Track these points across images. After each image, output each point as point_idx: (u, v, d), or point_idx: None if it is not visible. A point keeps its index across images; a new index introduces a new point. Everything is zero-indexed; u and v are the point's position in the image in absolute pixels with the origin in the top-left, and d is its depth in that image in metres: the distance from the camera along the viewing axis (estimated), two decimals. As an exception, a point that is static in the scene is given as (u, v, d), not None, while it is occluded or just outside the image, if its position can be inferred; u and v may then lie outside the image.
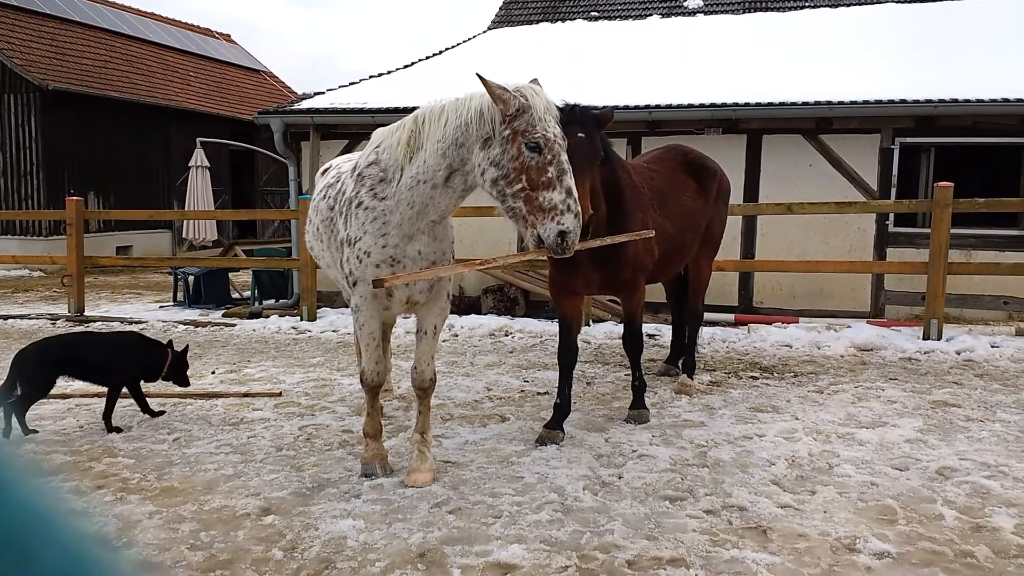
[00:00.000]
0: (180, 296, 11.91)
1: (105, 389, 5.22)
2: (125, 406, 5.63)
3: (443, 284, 4.07)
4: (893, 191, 8.95)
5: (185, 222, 13.33)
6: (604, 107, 4.61)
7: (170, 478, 4.26)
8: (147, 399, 5.60)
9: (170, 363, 5.38)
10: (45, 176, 18.69)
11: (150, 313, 10.61)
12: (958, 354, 7.04)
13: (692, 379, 6.02)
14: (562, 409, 4.89)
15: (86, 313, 10.06)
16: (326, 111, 10.12)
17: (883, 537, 3.46)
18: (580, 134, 4.32)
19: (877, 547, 3.36)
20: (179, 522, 3.67)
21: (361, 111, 9.90)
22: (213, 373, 6.80)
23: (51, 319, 9.77)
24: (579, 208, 3.52)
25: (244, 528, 3.61)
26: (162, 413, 5.46)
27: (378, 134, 4.04)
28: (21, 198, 18.77)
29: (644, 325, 8.38)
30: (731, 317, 9.01)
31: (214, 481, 4.21)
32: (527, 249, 3.75)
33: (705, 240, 5.76)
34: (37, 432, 5.07)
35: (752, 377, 6.45)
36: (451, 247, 4.10)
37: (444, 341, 8.09)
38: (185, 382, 5.49)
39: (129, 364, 5.25)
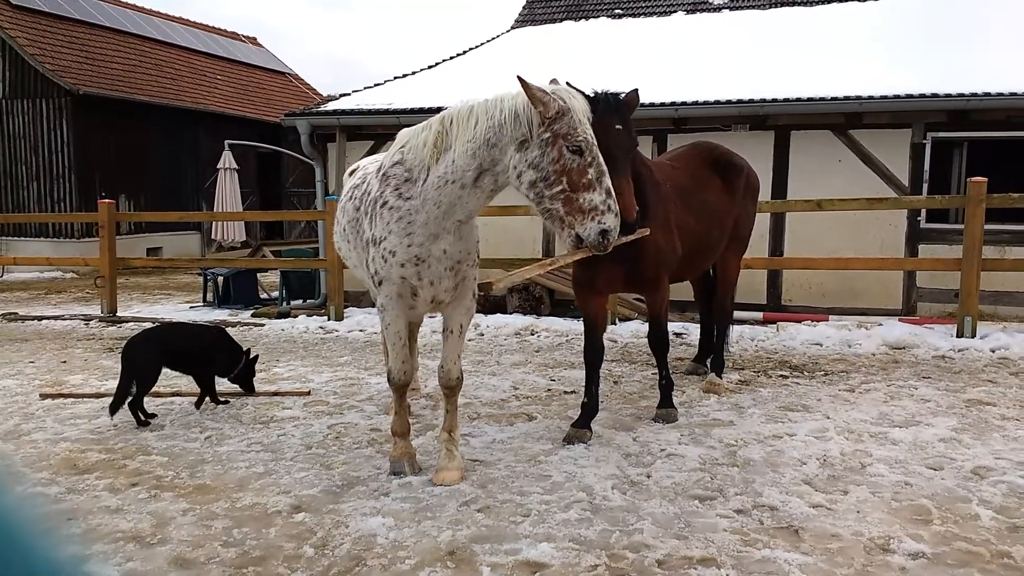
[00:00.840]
0: (210, 297, 12.09)
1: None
2: (157, 404, 5.72)
3: (468, 283, 4.08)
4: (925, 187, 8.80)
5: (214, 223, 13.52)
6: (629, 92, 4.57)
7: (203, 476, 4.32)
8: (179, 396, 5.82)
9: (243, 366, 5.76)
10: (77, 179, 19.05)
11: (180, 314, 10.75)
12: (992, 352, 6.91)
13: (721, 378, 5.97)
14: (589, 408, 4.88)
15: (119, 314, 10.23)
16: (352, 112, 10.19)
17: (918, 537, 3.41)
18: (617, 125, 4.30)
19: (912, 547, 3.31)
20: (212, 519, 3.72)
21: (387, 112, 9.95)
22: (243, 372, 6.87)
23: (84, 320, 9.95)
24: (618, 208, 3.59)
25: (276, 525, 3.65)
26: (227, 402, 5.78)
27: (403, 134, 4.05)
28: (54, 201, 19.15)
29: (672, 324, 8.34)
30: (760, 315, 8.92)
31: (246, 479, 4.26)
32: (569, 249, 3.78)
33: (733, 238, 5.71)
34: (155, 416, 5.41)
35: (782, 376, 6.38)
36: (476, 246, 4.11)
37: (470, 340, 8.11)
38: (251, 388, 5.86)
39: (218, 357, 5.67)
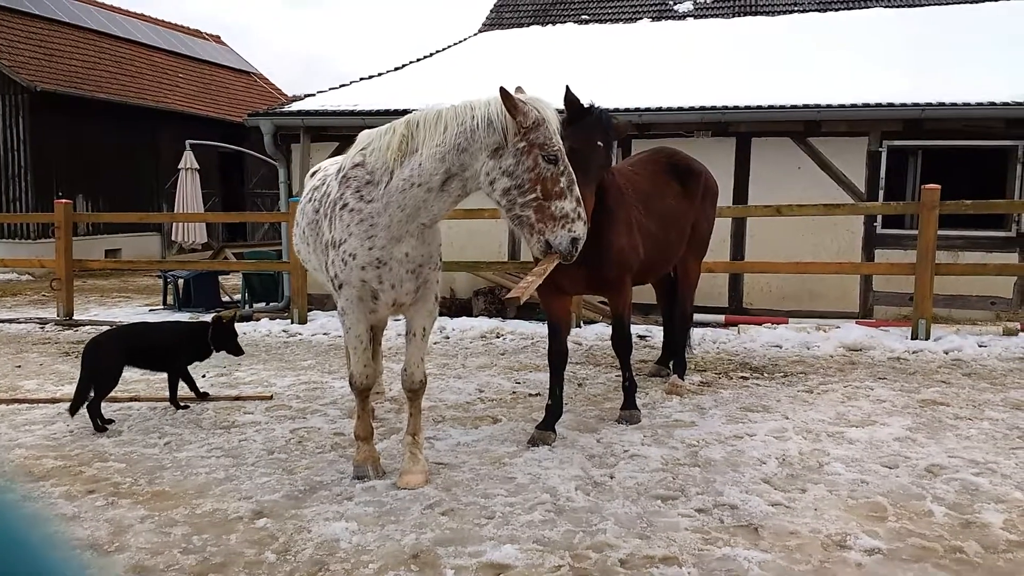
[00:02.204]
0: (170, 299, 11.87)
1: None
2: (115, 409, 5.61)
3: (430, 287, 4.07)
4: (881, 193, 9.01)
5: (174, 224, 13.29)
6: (621, 118, 4.74)
7: (161, 482, 4.25)
8: (138, 401, 5.77)
9: (212, 333, 5.69)
10: (33, 178, 18.57)
11: (140, 317, 10.53)
12: (946, 353, 7.10)
13: (683, 379, 6.05)
14: (553, 410, 4.91)
15: (75, 317, 10.01)
16: (316, 113, 10.11)
17: (873, 534, 3.49)
18: (599, 143, 4.41)
19: (868, 544, 3.39)
20: (171, 526, 3.65)
21: (352, 113, 9.89)
22: (204, 376, 6.76)
23: (40, 323, 9.71)
24: (586, 216, 3.72)
25: (237, 531, 3.60)
26: (207, 395, 5.88)
27: (364, 136, 4.04)
28: (9, 200, 18.64)
29: (636, 326, 8.42)
30: (721, 318, 9.05)
31: (206, 485, 4.19)
32: (541, 257, 3.83)
33: (692, 241, 5.79)
34: (112, 422, 5.30)
35: (743, 377, 6.48)
36: (439, 249, 4.12)
37: (435, 343, 8.09)
38: (237, 349, 5.82)
39: (184, 349, 5.65)
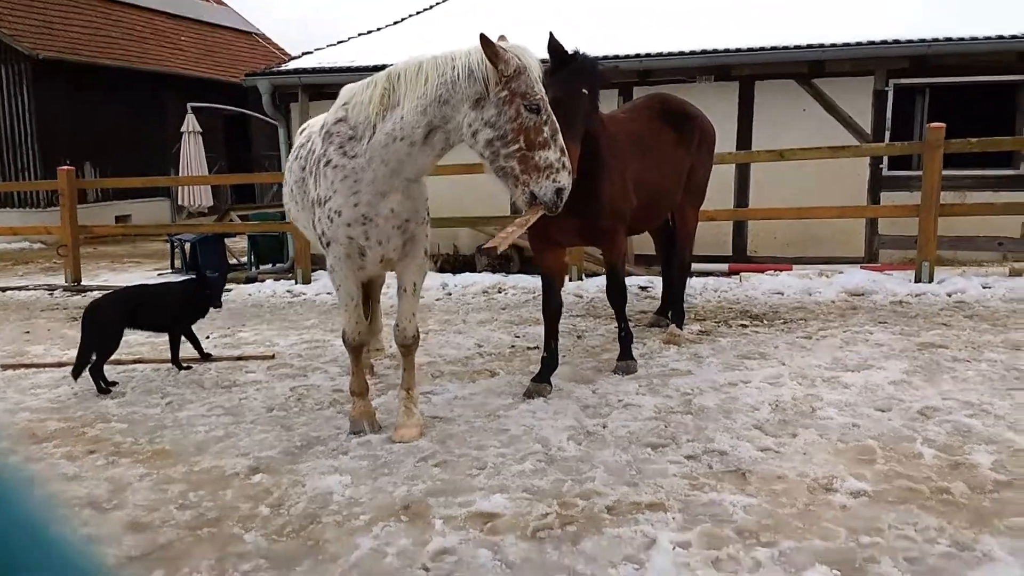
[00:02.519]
0: (177, 263, 11.97)
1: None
2: (120, 371, 5.70)
3: (418, 241, 4.06)
4: (887, 134, 8.84)
5: (180, 189, 13.34)
6: (605, 63, 4.64)
7: (162, 441, 4.33)
8: (142, 363, 5.84)
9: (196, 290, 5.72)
10: (40, 147, 18.59)
11: (148, 281, 10.65)
12: (949, 296, 7.04)
13: (681, 329, 6.04)
14: (548, 362, 4.93)
15: (83, 283, 10.12)
16: (313, 71, 10.01)
17: (860, 476, 3.50)
18: (584, 90, 4.33)
19: (854, 486, 3.41)
20: (169, 483, 3.74)
21: (349, 69, 9.77)
22: (208, 337, 6.83)
23: (49, 290, 9.83)
24: (571, 165, 3.65)
25: (232, 487, 3.68)
26: (210, 356, 5.94)
27: (347, 90, 3.99)
28: (17, 170, 18.71)
29: (638, 277, 8.41)
30: (725, 267, 9.01)
31: (205, 443, 4.27)
32: (526, 209, 3.78)
33: (689, 188, 5.72)
34: (116, 384, 5.40)
35: (742, 325, 6.47)
36: (425, 204, 4.09)
37: (437, 300, 8.13)
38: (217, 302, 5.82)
39: (181, 308, 5.69)
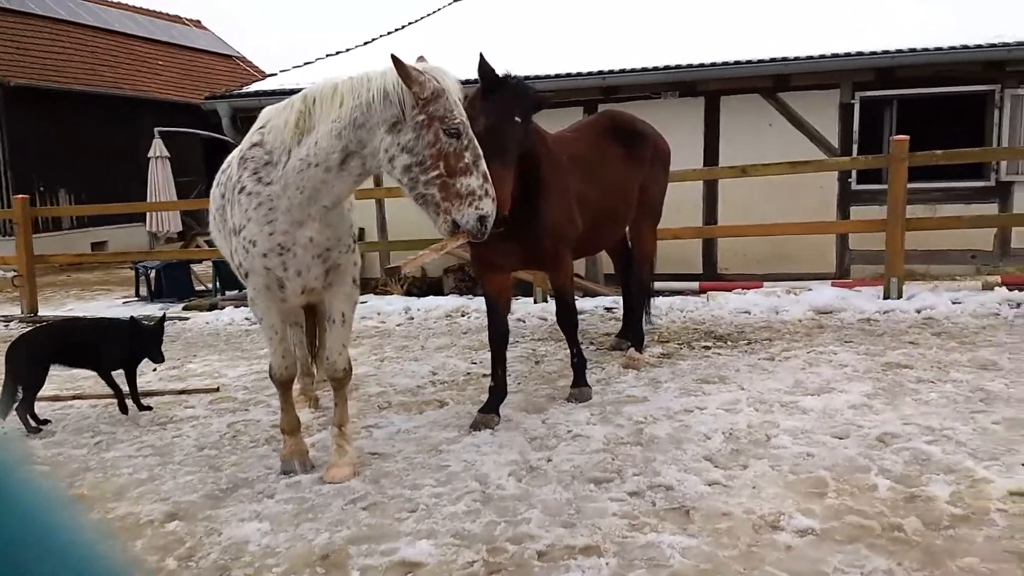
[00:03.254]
0: (143, 291, 11.72)
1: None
2: (55, 408, 5.46)
3: (343, 270, 3.86)
4: (855, 147, 8.73)
5: (148, 214, 13.07)
6: (541, 89, 4.48)
7: (81, 485, 4.10)
8: (81, 399, 5.53)
9: (131, 335, 5.19)
10: (13, 173, 18.33)
11: (112, 310, 10.41)
12: (918, 312, 6.88)
13: (641, 352, 5.85)
14: (496, 392, 4.73)
15: (40, 313, 9.85)
16: (273, 93, 9.83)
17: (809, 512, 3.31)
18: (517, 117, 4.15)
19: (801, 524, 3.21)
20: (78, 533, 3.50)
21: (308, 92, 9.61)
22: (155, 370, 6.60)
23: (4, 321, 9.56)
24: (494, 193, 3.46)
25: (144, 536, 3.45)
26: (149, 408, 5.34)
27: (265, 113, 3.81)
28: (-6, 197, 18.48)
29: (604, 298, 8.23)
30: (696, 285, 8.83)
31: (126, 486, 4.04)
32: (445, 236, 3.59)
33: (642, 208, 5.54)
34: (48, 422, 5.12)
35: (704, 347, 6.28)
36: (349, 231, 3.90)
37: (399, 325, 7.92)
38: (158, 356, 5.24)
39: (108, 349, 5.16)
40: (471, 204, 3.36)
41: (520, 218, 4.29)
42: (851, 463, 3.80)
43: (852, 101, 8.71)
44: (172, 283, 11.32)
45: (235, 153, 4.04)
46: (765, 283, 8.46)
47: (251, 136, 3.77)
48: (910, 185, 7.05)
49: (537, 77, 8.84)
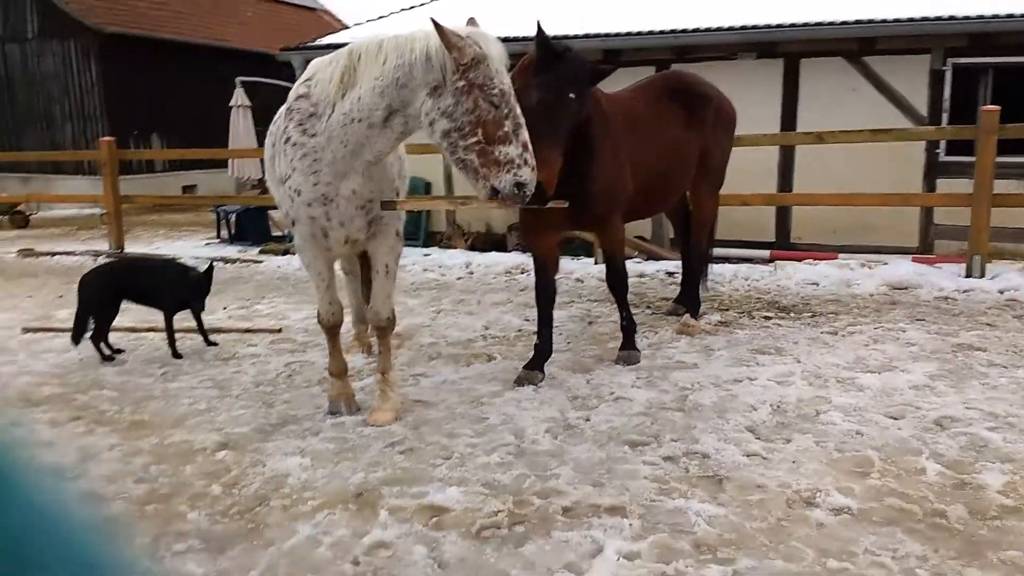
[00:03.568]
0: (224, 234, 12.19)
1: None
2: (131, 339, 5.77)
3: (389, 221, 3.91)
4: (945, 116, 8.21)
5: (231, 161, 13.52)
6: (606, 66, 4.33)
7: (144, 411, 4.34)
8: (154, 332, 5.73)
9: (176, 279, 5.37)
10: (109, 119, 19.20)
11: (193, 250, 10.87)
12: (1000, 293, 6.49)
13: (696, 319, 5.74)
14: (542, 350, 4.74)
15: (127, 250, 10.38)
16: (343, 45, 9.91)
17: (848, 491, 3.21)
18: (572, 94, 4.07)
19: (838, 502, 3.12)
20: (135, 455, 3.72)
21: (382, 43, 9.64)
22: (224, 309, 6.90)
23: (94, 255, 10.11)
24: (534, 162, 3.40)
25: (194, 463, 3.63)
26: (215, 344, 5.58)
27: (313, 65, 3.85)
28: (88, 140, 19.36)
29: (668, 262, 8.09)
30: (767, 253, 8.58)
31: (184, 415, 4.26)
32: (484, 199, 3.57)
33: (702, 172, 5.38)
34: (122, 352, 5.41)
35: (765, 317, 6.11)
36: (393, 184, 3.93)
37: (458, 279, 8.00)
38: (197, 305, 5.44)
39: (170, 290, 5.34)
40: (509, 171, 3.32)
41: (569, 179, 4.24)
42: (902, 444, 3.66)
43: (943, 68, 8.17)
44: (250, 227, 11.71)
45: (283, 107, 4.11)
46: (840, 255, 8.15)
47: (297, 88, 3.83)
48: (1001, 159, 6.60)
49: (607, 35, 8.63)
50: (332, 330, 4.20)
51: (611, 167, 4.48)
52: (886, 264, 7.31)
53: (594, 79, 4.23)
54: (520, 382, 4.61)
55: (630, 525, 2.98)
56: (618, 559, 2.74)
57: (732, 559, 2.74)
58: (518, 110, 3.37)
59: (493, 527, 3.00)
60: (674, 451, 3.64)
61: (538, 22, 4.19)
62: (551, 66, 4.08)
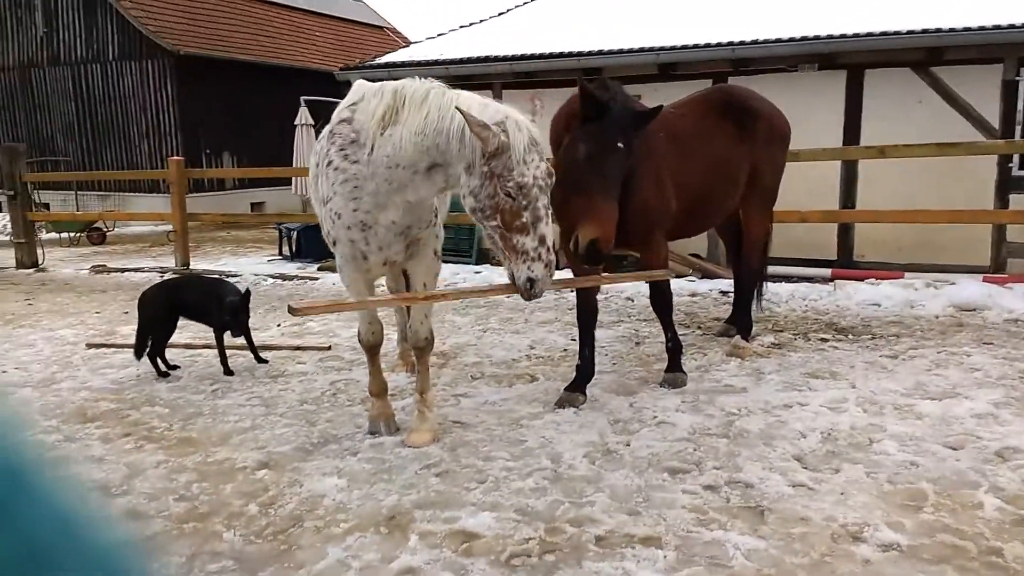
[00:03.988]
0: (286, 251, 12.50)
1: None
2: (187, 355, 5.94)
3: (426, 242, 3.93)
4: (1019, 129, 7.81)
5: (294, 179, 13.89)
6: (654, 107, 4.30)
7: (192, 428, 4.44)
8: (209, 349, 5.84)
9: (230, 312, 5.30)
10: (183, 137, 20.00)
11: (256, 266, 11.17)
12: (1079, 317, 6.12)
13: (748, 340, 5.58)
14: (583, 371, 4.67)
15: (193, 267, 10.73)
16: (402, 64, 10.10)
17: (898, 526, 3.05)
18: (620, 143, 4.03)
19: (887, 537, 2.97)
20: (180, 472, 3.81)
21: (435, 63, 9.79)
22: (278, 326, 7.05)
23: (161, 272, 10.49)
24: (551, 257, 3.32)
25: (235, 481, 3.69)
26: (266, 361, 5.67)
27: (357, 88, 3.89)
28: (162, 158, 20.19)
29: (721, 281, 7.91)
30: (828, 272, 8.31)
31: (229, 433, 4.34)
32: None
33: (752, 189, 5.23)
34: (178, 368, 5.58)
35: (822, 339, 5.89)
36: (431, 209, 3.93)
37: (507, 297, 7.95)
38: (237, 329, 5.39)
39: (213, 309, 5.35)
40: (524, 261, 3.29)
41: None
42: (960, 477, 3.47)
43: (1017, 78, 7.77)
44: (310, 244, 11.94)
45: (327, 127, 4.18)
46: (907, 274, 7.83)
47: (340, 111, 3.88)
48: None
49: (662, 48, 8.52)
50: (372, 350, 4.23)
51: (653, 185, 4.41)
52: (953, 284, 6.98)
53: (641, 125, 4.17)
54: (561, 404, 4.55)
55: (664, 557, 2.89)
56: (649, 593, 2.65)
57: (769, 597, 2.62)
58: (541, 203, 3.30)
59: (523, 555, 2.95)
60: (715, 480, 3.52)
61: (580, 78, 4.17)
62: (597, 117, 4.05)
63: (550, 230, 3.34)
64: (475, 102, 3.44)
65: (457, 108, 3.31)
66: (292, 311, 3.47)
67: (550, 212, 3.35)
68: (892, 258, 8.53)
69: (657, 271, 4.55)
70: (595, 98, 4.07)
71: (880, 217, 7.30)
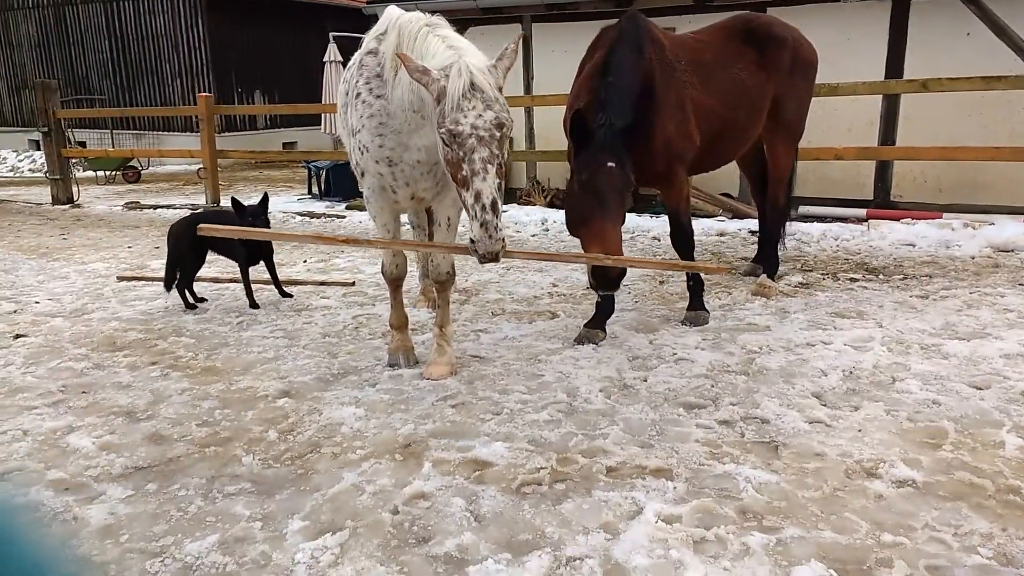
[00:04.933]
0: (315, 189, 12.54)
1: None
2: (215, 288, 6.03)
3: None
4: (1073, 62, 7.41)
5: (323, 116, 13.81)
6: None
7: (216, 358, 4.53)
8: (235, 282, 5.93)
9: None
10: (214, 75, 19.98)
11: (286, 205, 11.23)
12: (1123, 258, 5.90)
13: (774, 279, 5.48)
14: (603, 307, 4.64)
15: (222, 204, 10.82)
16: (430, -2, 9.86)
17: (914, 463, 3.01)
18: (610, 163, 3.97)
19: (902, 474, 2.93)
20: (203, 400, 3.89)
21: (464, -3, 9.54)
22: (305, 262, 7.11)
23: (192, 209, 10.60)
24: (487, 217, 3.05)
25: (256, 409, 3.77)
26: (290, 296, 5.77)
27: (385, 17, 3.78)
28: (195, 97, 20.24)
29: (751, 220, 7.75)
30: (863, 212, 8.10)
31: (253, 363, 4.42)
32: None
33: (776, 121, 5.04)
34: (205, 300, 5.67)
35: (851, 279, 5.77)
36: None
37: (533, 236, 7.93)
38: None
39: (242, 244, 5.39)
40: (472, 221, 3.15)
41: (631, 134, 4.08)
42: (982, 416, 3.40)
43: (1076, 6, 7.35)
44: (339, 183, 11.97)
45: (356, 55, 4.09)
46: (945, 214, 7.59)
47: (368, 41, 3.80)
48: None
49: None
50: (395, 282, 4.24)
51: (674, 121, 4.28)
52: (992, 224, 6.76)
53: (630, 142, 4.07)
54: (580, 340, 4.54)
55: (674, 488, 2.90)
56: (656, 521, 2.66)
57: (777, 528, 2.62)
58: (477, 155, 3.08)
59: (534, 483, 2.97)
60: (731, 415, 3.50)
61: (577, 109, 4.05)
62: (587, 144, 4.03)
63: (488, 185, 3.07)
64: (442, 45, 3.31)
65: (397, 55, 3.23)
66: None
67: (493, 166, 3.10)
68: (931, 198, 8.27)
69: (697, 263, 4.49)
70: (583, 122, 4.04)
71: (919, 154, 7.03)
